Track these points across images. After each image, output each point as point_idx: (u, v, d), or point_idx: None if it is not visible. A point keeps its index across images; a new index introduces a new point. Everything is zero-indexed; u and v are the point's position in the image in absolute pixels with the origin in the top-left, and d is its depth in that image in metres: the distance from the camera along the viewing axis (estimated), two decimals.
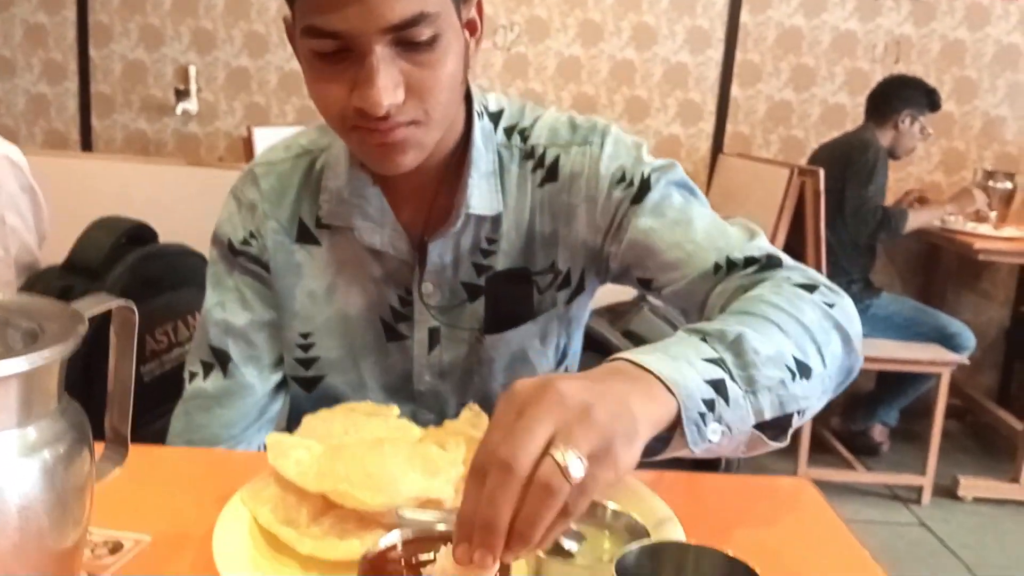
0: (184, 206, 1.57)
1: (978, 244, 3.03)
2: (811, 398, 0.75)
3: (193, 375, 1.02)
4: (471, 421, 0.83)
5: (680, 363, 0.67)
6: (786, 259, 0.90)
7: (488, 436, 0.57)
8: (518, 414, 0.56)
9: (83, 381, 1.06)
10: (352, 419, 0.81)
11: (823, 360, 0.77)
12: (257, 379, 1.01)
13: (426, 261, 0.97)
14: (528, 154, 0.98)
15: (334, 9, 0.76)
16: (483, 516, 0.53)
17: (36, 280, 1.27)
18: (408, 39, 0.79)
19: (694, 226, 0.92)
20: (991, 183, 3.40)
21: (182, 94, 3.57)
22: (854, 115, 3.57)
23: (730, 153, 3.54)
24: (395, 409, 0.85)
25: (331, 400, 1.00)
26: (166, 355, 1.29)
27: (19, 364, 0.45)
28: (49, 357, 0.46)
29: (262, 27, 3.53)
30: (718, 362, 0.69)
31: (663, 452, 0.68)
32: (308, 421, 0.81)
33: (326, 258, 0.99)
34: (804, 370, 0.74)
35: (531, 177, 0.98)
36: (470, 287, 0.99)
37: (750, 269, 0.88)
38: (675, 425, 0.64)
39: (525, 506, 0.53)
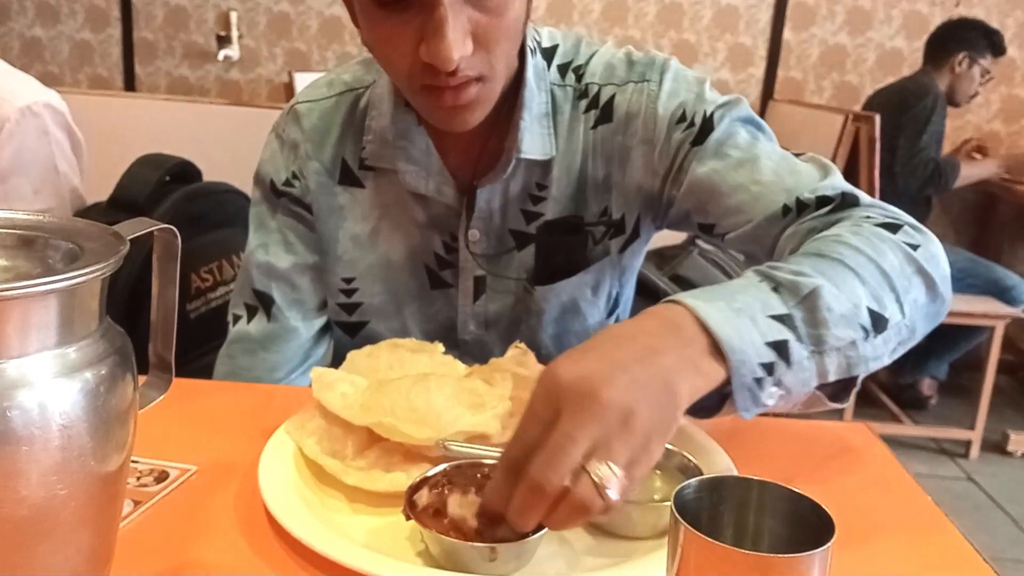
0: (228, 146, 1.56)
1: None
2: (882, 356, 0.70)
3: (237, 318, 1.00)
4: (517, 359, 0.81)
5: (742, 320, 0.62)
6: (863, 196, 0.83)
7: (524, 429, 0.56)
8: (556, 413, 0.54)
9: (130, 314, 1.07)
10: (397, 355, 0.79)
11: (902, 309, 0.71)
12: (301, 323, 0.99)
13: (473, 207, 0.93)
14: (582, 93, 0.93)
15: None
16: (511, 520, 0.55)
17: (83, 216, 1.28)
18: None
19: (760, 165, 0.86)
20: None
21: (224, 40, 3.55)
22: (911, 60, 3.45)
23: (781, 99, 3.45)
24: (440, 346, 0.84)
25: None
26: (211, 293, 1.28)
27: (58, 281, 0.43)
28: (90, 275, 0.45)
29: None
30: (785, 319, 0.64)
31: (714, 415, 0.66)
32: (353, 356, 0.80)
33: (370, 201, 0.96)
34: (879, 324, 0.69)
35: (583, 118, 0.93)
36: (518, 235, 0.95)
37: (823, 210, 0.82)
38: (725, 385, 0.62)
39: (556, 513, 0.54)
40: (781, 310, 0.65)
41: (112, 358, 0.48)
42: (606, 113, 0.92)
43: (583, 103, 0.93)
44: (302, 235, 0.99)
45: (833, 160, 2.63)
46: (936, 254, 0.77)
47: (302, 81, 3.10)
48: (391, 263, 0.98)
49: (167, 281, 0.57)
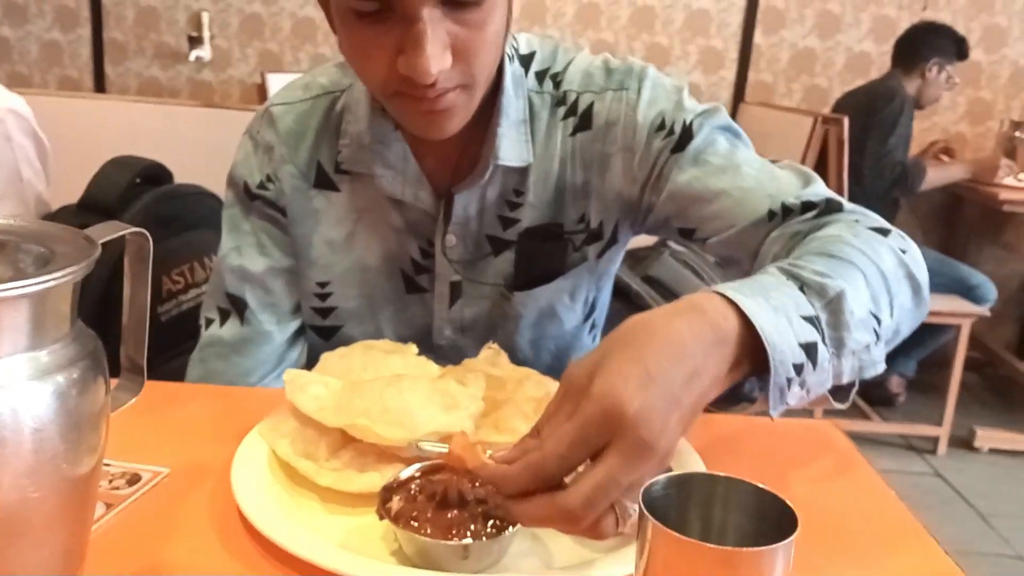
0: (198, 148, 1.56)
1: (1003, 195, 2.99)
2: (882, 359, 0.71)
3: (210, 321, 0.99)
4: (491, 360, 0.82)
5: (780, 319, 0.62)
6: (846, 203, 0.85)
7: (571, 447, 0.53)
8: (607, 443, 0.52)
9: (101, 317, 1.06)
10: (370, 356, 0.80)
11: (892, 312, 0.73)
12: (275, 326, 0.98)
13: (451, 213, 0.93)
14: (560, 100, 0.93)
15: None
16: (516, 514, 0.55)
17: (51, 220, 1.27)
18: None
19: (742, 171, 0.87)
20: (1017, 133, 3.33)
21: (195, 41, 3.53)
22: (880, 63, 3.50)
23: (752, 102, 3.48)
24: (413, 347, 0.84)
25: None
26: (183, 295, 1.28)
27: (30, 285, 0.43)
28: (61, 278, 0.45)
29: None
30: (814, 321, 0.65)
31: (732, 409, 0.67)
32: (326, 358, 0.80)
33: (345, 205, 0.96)
34: (880, 326, 0.70)
35: (561, 125, 0.93)
36: (495, 240, 0.95)
37: (809, 214, 0.83)
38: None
39: (572, 528, 0.54)
40: (810, 311, 0.65)
41: (84, 361, 0.49)
42: (585, 120, 0.92)
43: (561, 110, 0.93)
44: (276, 238, 0.98)
45: (803, 161, 2.67)
46: (920, 260, 0.79)
47: (274, 82, 3.09)
48: (366, 267, 0.97)
49: (139, 284, 0.57)
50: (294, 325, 1.01)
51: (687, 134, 0.89)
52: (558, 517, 0.53)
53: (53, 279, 0.44)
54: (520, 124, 0.91)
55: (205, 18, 3.53)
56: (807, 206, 0.84)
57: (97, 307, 1.07)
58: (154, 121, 1.61)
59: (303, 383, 0.72)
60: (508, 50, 0.91)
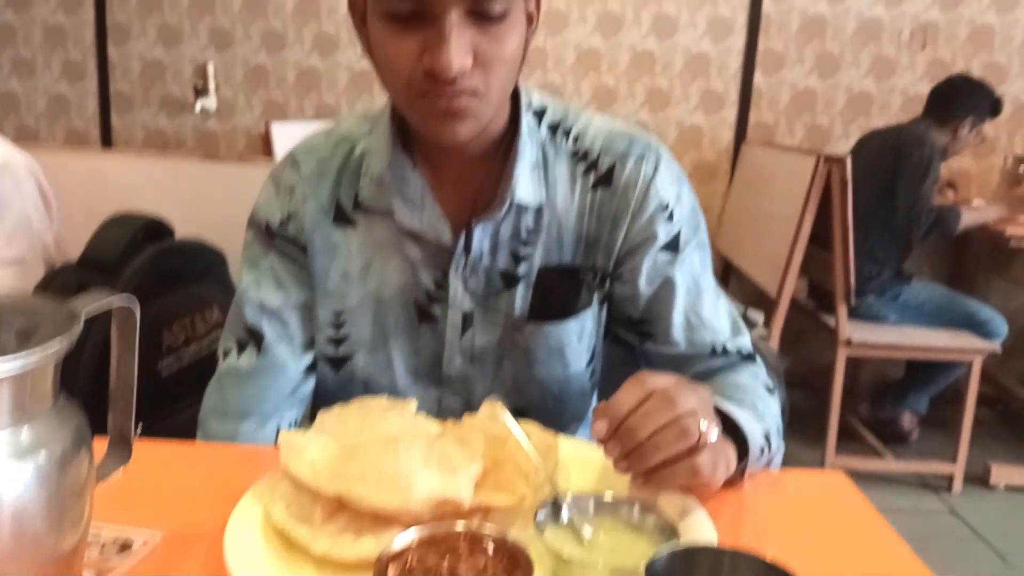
0: (201, 201, 1.56)
1: (1010, 230, 2.96)
2: (778, 464, 0.91)
3: (227, 352, 1.03)
4: (491, 415, 0.80)
5: (755, 427, 0.84)
6: (758, 358, 1.03)
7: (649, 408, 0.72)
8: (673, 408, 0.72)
9: (97, 379, 1.05)
10: (367, 415, 0.78)
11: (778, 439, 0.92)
12: (290, 358, 1.02)
13: (469, 246, 0.98)
14: (581, 156, 1.00)
15: None
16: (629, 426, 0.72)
17: (53, 277, 1.26)
18: (482, 9, 0.82)
19: (703, 300, 1.01)
20: (1021, 168, 3.33)
21: (201, 91, 3.57)
22: (880, 102, 3.51)
23: (754, 142, 3.49)
24: (413, 403, 0.83)
25: (357, 383, 1.03)
26: (183, 350, 1.27)
27: (10, 364, 0.43)
28: (42, 357, 0.44)
29: (279, 24, 3.51)
30: (767, 435, 0.86)
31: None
32: (322, 417, 0.79)
33: (362, 239, 1.01)
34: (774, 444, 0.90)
35: (582, 179, 1.00)
36: (506, 275, 1.00)
37: (733, 359, 1.01)
38: None
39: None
40: (764, 430, 0.87)
41: (66, 436, 0.48)
42: (606, 179, 1.00)
43: (581, 165, 1.00)
44: (293, 274, 1.02)
45: (806, 200, 2.67)
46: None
47: (279, 131, 3.11)
48: (380, 298, 1.01)
49: (126, 354, 0.56)
50: (308, 358, 1.04)
51: (675, 241, 1.00)
52: (678, 428, 0.72)
53: (33, 358, 0.44)
54: (535, 167, 0.98)
55: (210, 69, 3.57)
56: (736, 353, 1.01)
57: (95, 368, 1.05)
58: (157, 174, 1.61)
59: (298, 447, 0.70)
60: (524, 101, 0.98)
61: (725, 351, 1.01)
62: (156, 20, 3.56)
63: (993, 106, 3.06)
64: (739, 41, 3.50)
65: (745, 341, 1.03)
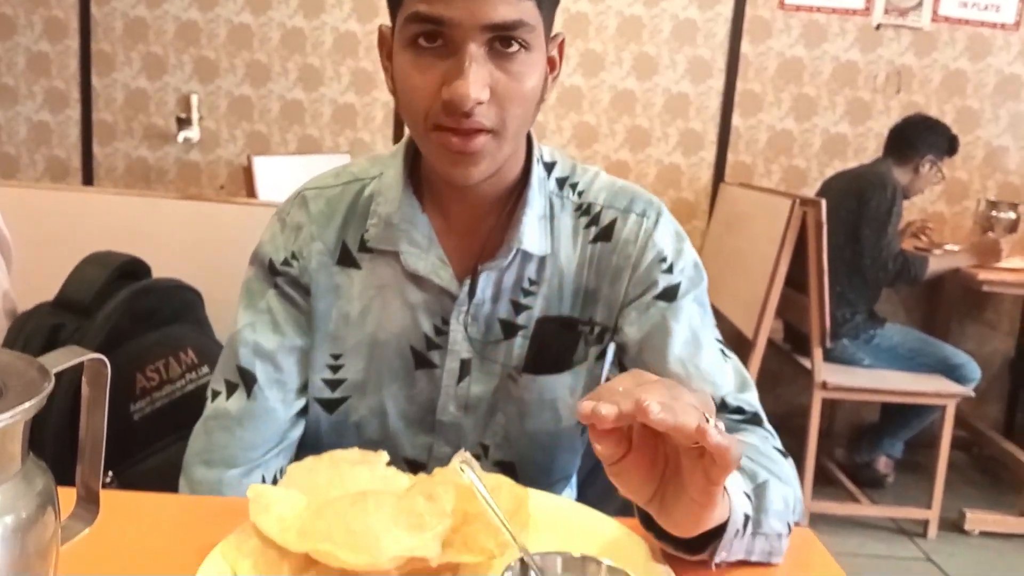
0: (179, 240, 1.56)
1: (982, 275, 3.01)
2: (781, 556, 0.81)
3: (216, 394, 1.01)
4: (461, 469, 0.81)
5: (739, 495, 0.75)
6: (765, 419, 0.96)
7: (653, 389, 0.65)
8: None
9: (69, 425, 1.04)
10: (337, 469, 0.78)
11: (793, 516, 0.84)
12: (280, 404, 1.01)
13: (473, 292, 0.98)
14: (584, 210, 1.02)
15: None
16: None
17: (27, 318, 1.25)
18: (503, 45, 0.84)
19: (703, 352, 0.97)
20: (994, 213, 3.39)
21: (184, 122, 3.58)
22: (856, 145, 3.57)
23: (731, 182, 3.54)
24: (384, 456, 0.83)
25: (350, 426, 1.03)
26: (156, 392, 1.26)
27: None
28: (10, 421, 0.44)
29: (264, 56, 3.53)
30: (747, 496, 0.76)
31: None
32: (292, 471, 0.79)
33: (364, 281, 1.01)
34: (790, 522, 0.81)
35: (583, 232, 1.01)
36: (506, 324, 1.00)
37: (736, 416, 0.95)
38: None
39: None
40: (744, 488, 0.77)
41: (33, 499, 0.48)
42: (607, 233, 1.01)
43: (584, 219, 1.02)
44: (292, 318, 1.01)
45: (783, 242, 2.69)
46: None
47: (261, 164, 3.12)
48: (377, 341, 1.01)
49: (96, 410, 0.57)
50: (299, 404, 1.03)
51: (674, 291, 0.99)
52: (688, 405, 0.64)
53: (2, 422, 0.44)
54: (542, 217, 0.99)
55: (194, 100, 3.58)
56: (738, 410, 0.95)
57: (66, 415, 1.05)
58: (135, 213, 1.61)
59: (267, 503, 0.70)
60: (536, 153, 1.00)
61: (725, 404, 0.94)
62: (141, 50, 3.58)
63: (950, 143, 3.12)
64: (718, 83, 3.56)
65: (752, 399, 0.97)
